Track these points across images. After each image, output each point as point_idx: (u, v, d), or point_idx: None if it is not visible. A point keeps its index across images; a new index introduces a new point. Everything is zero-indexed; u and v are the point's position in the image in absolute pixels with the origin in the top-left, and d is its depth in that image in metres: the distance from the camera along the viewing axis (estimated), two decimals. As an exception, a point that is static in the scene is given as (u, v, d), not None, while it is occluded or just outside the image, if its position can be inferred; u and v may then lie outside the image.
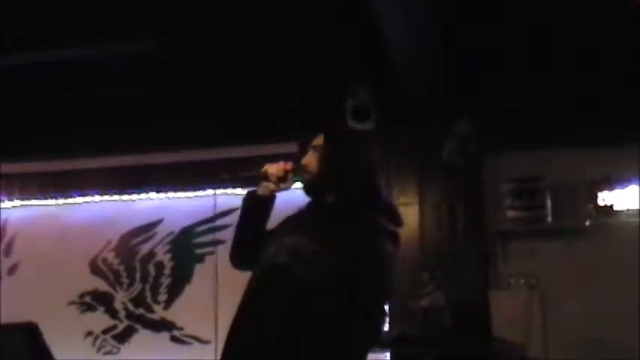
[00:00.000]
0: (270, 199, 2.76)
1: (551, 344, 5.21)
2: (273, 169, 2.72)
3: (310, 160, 2.70)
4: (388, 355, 5.18)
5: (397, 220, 2.64)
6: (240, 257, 2.81)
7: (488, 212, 5.55)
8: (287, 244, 2.57)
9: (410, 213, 5.68)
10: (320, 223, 2.61)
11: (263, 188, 2.75)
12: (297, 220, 2.75)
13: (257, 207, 2.77)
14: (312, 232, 2.55)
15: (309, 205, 2.75)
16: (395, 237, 2.58)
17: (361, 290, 2.43)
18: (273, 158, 2.83)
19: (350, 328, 2.41)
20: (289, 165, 2.74)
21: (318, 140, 2.73)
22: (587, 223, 5.31)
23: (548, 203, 5.38)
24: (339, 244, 2.47)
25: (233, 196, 5.64)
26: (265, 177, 2.73)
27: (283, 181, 2.73)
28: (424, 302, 5.26)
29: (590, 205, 5.32)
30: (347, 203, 2.62)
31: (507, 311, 5.26)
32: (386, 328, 5.39)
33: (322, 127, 2.77)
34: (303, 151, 2.76)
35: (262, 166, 2.77)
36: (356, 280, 2.43)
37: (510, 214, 5.43)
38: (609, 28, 4.84)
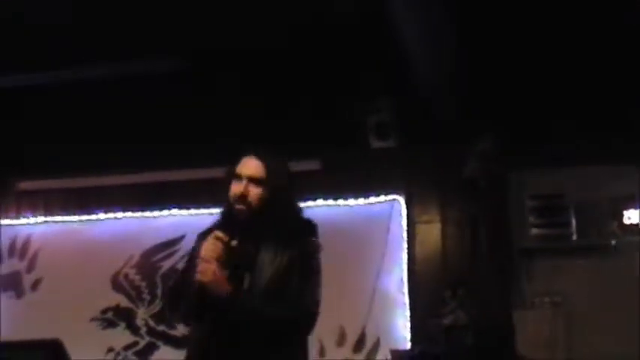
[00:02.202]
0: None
1: (576, 363, 5.16)
2: (213, 253, 2.59)
3: (250, 191, 2.66)
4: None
5: (315, 232, 2.77)
6: (192, 318, 2.75)
7: (511, 230, 5.50)
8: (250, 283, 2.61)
9: (432, 231, 5.66)
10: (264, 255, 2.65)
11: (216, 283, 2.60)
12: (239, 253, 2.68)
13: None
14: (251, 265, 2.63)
15: (243, 235, 2.68)
16: (319, 250, 2.75)
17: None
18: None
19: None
20: (220, 236, 2.62)
21: (253, 170, 2.69)
22: (613, 241, 5.25)
23: (573, 221, 5.33)
24: (282, 269, 2.61)
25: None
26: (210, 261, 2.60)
27: (227, 253, 2.63)
28: (446, 320, 5.22)
29: (615, 223, 5.27)
30: (280, 236, 2.67)
31: (531, 330, 5.21)
32: (408, 346, 5.38)
33: (259, 155, 2.73)
34: (230, 178, 2.73)
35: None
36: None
37: (534, 231, 5.39)
38: (633, 48, 4.81)
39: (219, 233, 2.62)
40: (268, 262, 2.63)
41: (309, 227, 2.74)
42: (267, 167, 2.70)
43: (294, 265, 2.63)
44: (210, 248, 2.60)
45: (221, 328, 2.58)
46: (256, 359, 2.56)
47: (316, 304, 2.64)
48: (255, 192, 2.67)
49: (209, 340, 2.61)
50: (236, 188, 2.69)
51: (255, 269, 2.62)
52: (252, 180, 2.68)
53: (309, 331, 2.64)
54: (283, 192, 2.70)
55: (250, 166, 2.71)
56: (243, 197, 2.66)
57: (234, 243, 2.63)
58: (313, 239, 2.72)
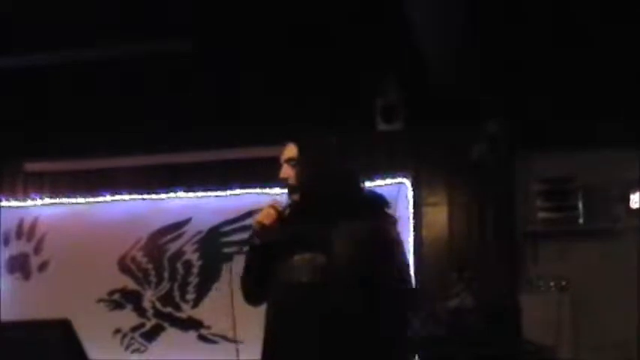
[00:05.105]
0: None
1: (582, 347, 5.16)
2: (267, 219, 2.70)
3: (287, 173, 2.75)
4: (417, 356, 5.14)
5: (385, 205, 2.75)
6: (261, 297, 2.87)
7: (518, 213, 5.50)
8: (307, 262, 2.62)
9: (439, 213, 5.66)
10: (322, 232, 2.63)
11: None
12: (295, 232, 2.70)
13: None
14: (324, 245, 2.61)
15: (296, 214, 2.73)
16: (395, 222, 2.74)
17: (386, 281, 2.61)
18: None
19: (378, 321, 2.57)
20: (273, 204, 2.74)
21: (289, 153, 2.77)
22: (619, 224, 5.24)
23: (580, 204, 5.32)
24: (354, 246, 2.59)
25: (262, 195, 5.63)
26: (263, 228, 2.70)
27: (279, 219, 2.72)
28: (453, 303, 5.23)
29: (622, 207, 5.26)
30: (333, 207, 2.66)
31: (537, 313, 5.21)
32: (414, 329, 5.39)
33: (293, 138, 2.81)
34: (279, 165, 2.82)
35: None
36: (381, 275, 2.60)
37: (541, 215, 5.39)
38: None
39: (273, 202, 2.74)
40: (340, 244, 2.60)
41: (372, 202, 2.74)
42: (299, 146, 2.76)
43: (374, 248, 2.61)
44: (264, 213, 2.71)
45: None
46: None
47: (409, 283, 2.68)
48: (291, 173, 2.74)
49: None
50: (279, 176, 2.78)
51: (329, 249, 2.60)
52: (289, 162, 2.76)
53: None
54: (320, 167, 2.71)
55: (286, 151, 2.79)
56: (284, 181, 2.75)
57: (287, 212, 2.71)
58: (386, 213, 2.72)
